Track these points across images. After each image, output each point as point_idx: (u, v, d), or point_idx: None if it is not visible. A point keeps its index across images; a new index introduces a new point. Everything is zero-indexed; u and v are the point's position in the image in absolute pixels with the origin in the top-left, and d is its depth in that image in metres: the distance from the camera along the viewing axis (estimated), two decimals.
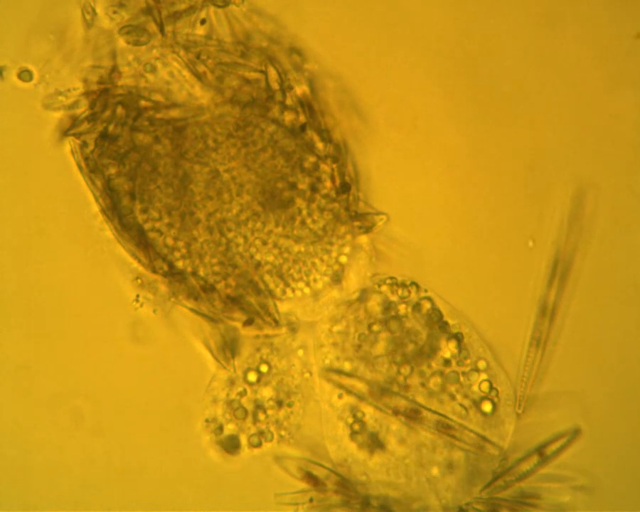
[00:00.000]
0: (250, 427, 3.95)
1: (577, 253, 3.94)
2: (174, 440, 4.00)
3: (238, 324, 3.92)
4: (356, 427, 3.88)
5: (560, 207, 3.97)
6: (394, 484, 3.88)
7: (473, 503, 3.89)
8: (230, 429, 3.95)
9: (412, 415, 3.85)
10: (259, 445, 3.95)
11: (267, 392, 3.96)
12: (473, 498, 3.88)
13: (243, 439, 3.95)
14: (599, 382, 3.98)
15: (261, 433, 3.95)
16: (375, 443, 3.87)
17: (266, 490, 3.96)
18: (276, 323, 3.91)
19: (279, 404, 3.95)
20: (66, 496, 4.01)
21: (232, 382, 3.97)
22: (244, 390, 3.96)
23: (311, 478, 3.92)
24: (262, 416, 3.95)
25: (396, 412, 3.85)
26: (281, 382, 3.96)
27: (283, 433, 3.95)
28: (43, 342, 4.00)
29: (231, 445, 3.95)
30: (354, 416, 3.88)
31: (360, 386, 3.88)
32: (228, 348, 3.93)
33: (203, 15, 3.92)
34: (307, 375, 3.96)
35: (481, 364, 3.89)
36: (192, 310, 3.91)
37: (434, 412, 3.86)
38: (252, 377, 3.96)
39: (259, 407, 3.96)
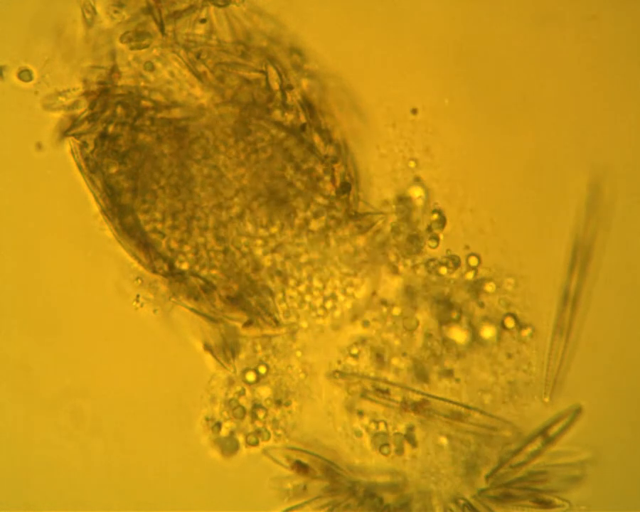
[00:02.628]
0: (248, 426, 3.96)
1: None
2: (174, 440, 4.01)
3: (238, 324, 3.93)
4: (359, 426, 3.90)
5: (558, 205, 3.99)
6: (391, 472, 3.89)
7: (487, 491, 3.88)
8: (227, 427, 3.96)
9: (420, 408, 3.85)
10: (256, 444, 3.96)
11: (265, 392, 3.97)
12: (487, 486, 3.88)
13: (241, 438, 3.96)
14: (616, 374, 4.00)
15: (258, 432, 3.96)
16: (379, 443, 3.89)
17: (266, 489, 3.97)
18: (277, 323, 3.91)
19: (277, 403, 3.96)
20: (66, 496, 4.02)
21: (231, 382, 3.97)
22: (243, 390, 3.97)
23: (300, 466, 3.92)
24: (259, 415, 3.96)
25: (405, 407, 3.86)
26: (279, 383, 3.96)
27: (279, 432, 3.96)
28: (43, 342, 4.00)
29: (230, 446, 3.96)
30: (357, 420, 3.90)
31: (366, 384, 3.89)
32: (228, 348, 3.94)
33: (203, 14, 3.92)
34: (302, 375, 3.96)
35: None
36: (192, 310, 3.91)
37: (443, 400, 3.87)
38: (251, 377, 3.96)
39: (257, 406, 3.96)
